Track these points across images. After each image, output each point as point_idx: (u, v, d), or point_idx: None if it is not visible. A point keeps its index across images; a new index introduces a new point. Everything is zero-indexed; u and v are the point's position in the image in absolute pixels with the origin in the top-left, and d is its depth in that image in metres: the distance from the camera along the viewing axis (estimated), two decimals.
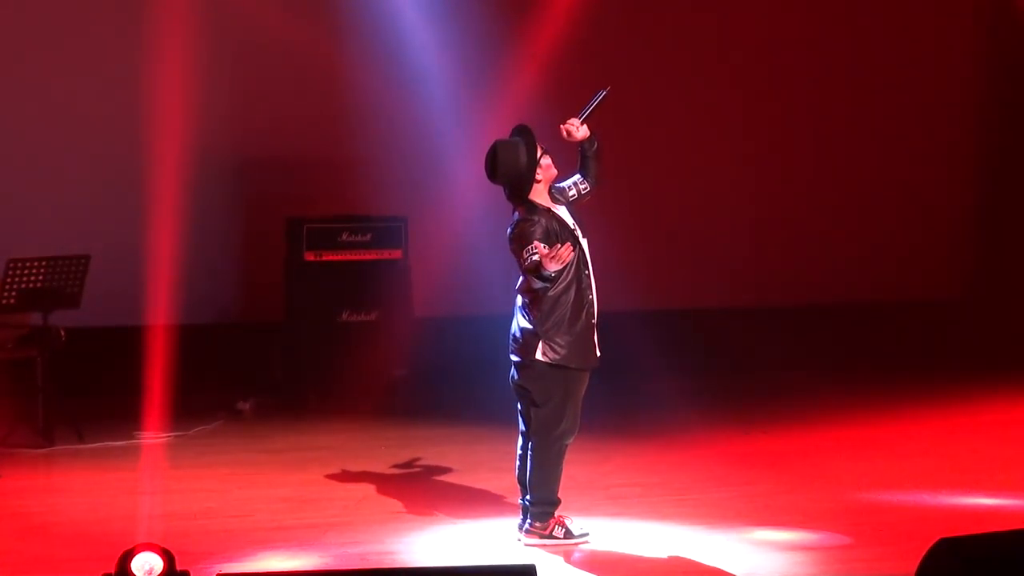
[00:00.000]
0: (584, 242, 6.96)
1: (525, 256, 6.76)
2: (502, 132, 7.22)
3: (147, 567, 4.88)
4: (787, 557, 6.78)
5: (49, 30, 11.05)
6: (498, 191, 7.12)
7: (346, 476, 8.49)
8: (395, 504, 7.82)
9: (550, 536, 6.98)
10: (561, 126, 7.04)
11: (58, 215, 10.93)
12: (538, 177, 6.96)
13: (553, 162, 7.04)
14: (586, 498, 7.67)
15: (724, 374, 11.59)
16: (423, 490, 8.16)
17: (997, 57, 13.21)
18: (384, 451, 9.14)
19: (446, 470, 8.62)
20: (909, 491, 8.00)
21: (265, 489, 8.20)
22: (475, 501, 7.88)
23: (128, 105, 10.81)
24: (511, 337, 7.04)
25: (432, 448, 9.20)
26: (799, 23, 12.68)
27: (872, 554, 6.80)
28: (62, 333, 9.36)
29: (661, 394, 10.56)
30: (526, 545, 7.00)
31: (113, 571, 4.92)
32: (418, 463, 8.84)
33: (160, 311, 10.16)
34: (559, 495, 7.04)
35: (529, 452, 7.02)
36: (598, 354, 7.03)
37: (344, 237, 10.89)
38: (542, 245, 6.74)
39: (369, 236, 10.94)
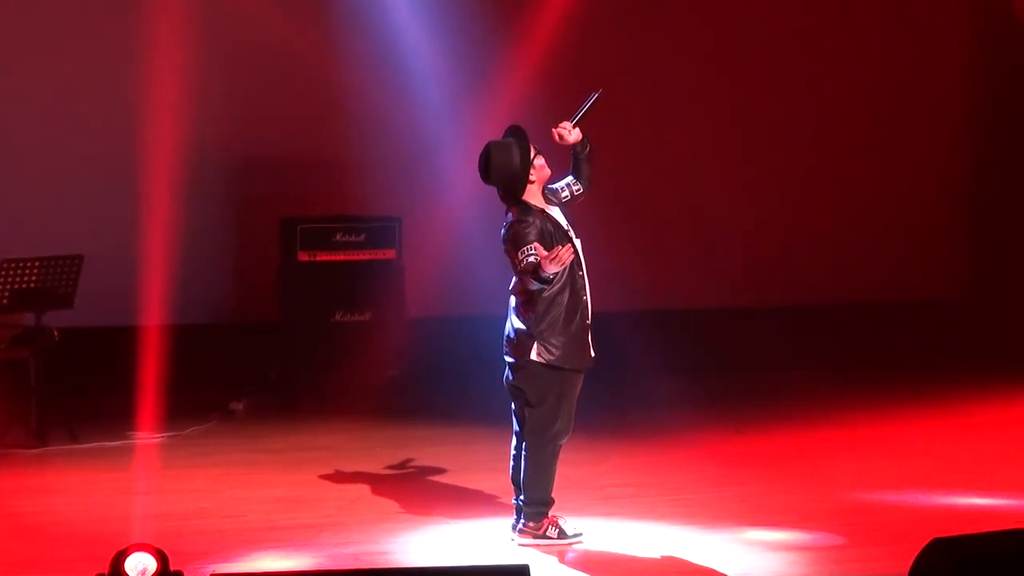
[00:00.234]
0: (578, 243, 6.97)
1: (521, 257, 6.76)
2: (496, 133, 7.22)
3: (140, 567, 4.87)
4: (781, 557, 6.78)
5: (43, 31, 11.05)
6: (492, 192, 7.12)
7: (340, 476, 8.48)
8: (389, 504, 7.82)
9: (544, 536, 6.98)
10: (553, 129, 7.05)
11: (51, 215, 10.93)
12: (532, 178, 6.97)
13: (547, 162, 7.04)
14: (580, 498, 7.67)
15: (719, 374, 11.59)
16: (417, 490, 8.15)
17: (994, 56, 13.23)
18: (378, 452, 9.13)
19: (440, 470, 8.61)
20: (903, 491, 8.01)
21: (259, 489, 8.19)
22: (469, 501, 7.88)
23: (122, 105, 10.81)
24: (505, 338, 7.04)
25: (426, 448, 9.20)
26: (795, 23, 12.69)
27: (866, 554, 6.80)
28: (55, 333, 9.35)
29: (655, 394, 10.55)
30: (520, 545, 7.00)
31: (107, 571, 4.91)
32: (412, 463, 8.84)
33: (154, 311, 10.15)
34: (553, 495, 7.04)
35: (523, 452, 7.02)
36: (592, 355, 7.04)
37: (338, 237, 10.88)
38: (541, 247, 6.73)
39: (363, 236, 10.93)
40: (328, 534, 7.20)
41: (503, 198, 7.04)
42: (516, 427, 7.11)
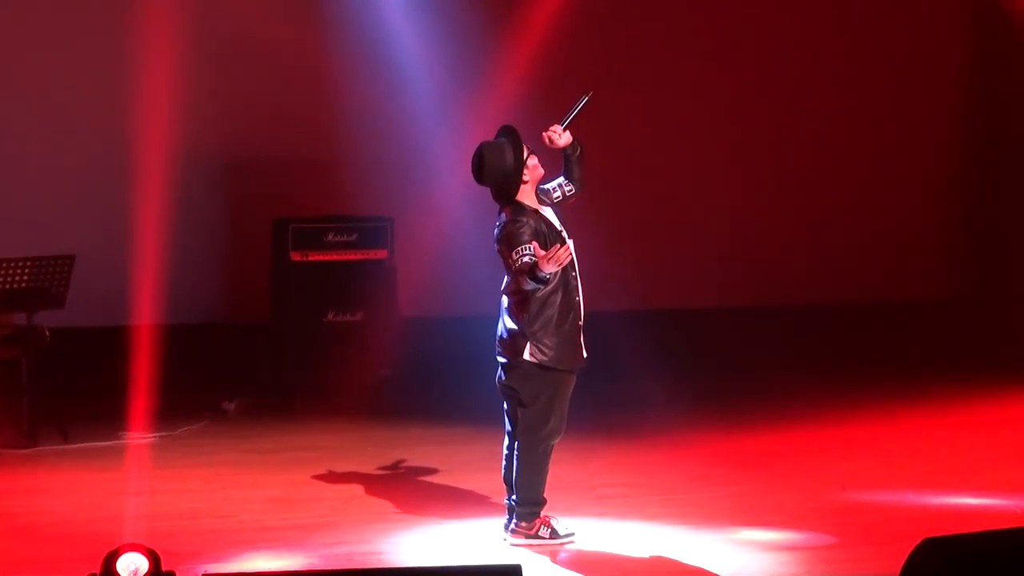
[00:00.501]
0: (570, 243, 6.96)
1: (515, 257, 6.76)
2: (488, 132, 7.22)
3: (132, 567, 4.87)
4: (773, 557, 6.79)
5: (34, 31, 11.03)
6: (484, 192, 7.12)
7: (332, 476, 8.48)
8: (381, 504, 7.82)
9: (536, 536, 6.98)
10: (543, 133, 7.05)
11: (43, 215, 10.91)
12: (525, 178, 6.97)
13: (539, 162, 7.05)
14: (572, 498, 7.67)
15: (711, 374, 11.60)
16: (409, 490, 8.15)
17: (986, 55, 13.25)
18: (371, 451, 9.13)
19: (432, 470, 8.61)
20: (894, 491, 8.02)
21: (251, 489, 8.19)
22: (461, 501, 7.88)
23: (114, 105, 10.80)
24: (497, 338, 7.04)
25: (418, 448, 9.20)
26: (788, 22, 12.70)
27: (857, 554, 6.81)
28: (47, 333, 9.34)
29: (648, 394, 10.55)
30: (512, 545, 7.01)
31: (98, 571, 4.91)
32: (404, 463, 8.84)
33: (145, 311, 10.14)
34: (545, 495, 7.05)
35: (515, 452, 7.02)
36: (585, 355, 7.04)
37: (330, 237, 10.88)
38: (539, 246, 6.73)
39: (355, 236, 10.93)
40: (320, 534, 7.20)
41: (496, 198, 7.04)
42: (508, 427, 7.11)
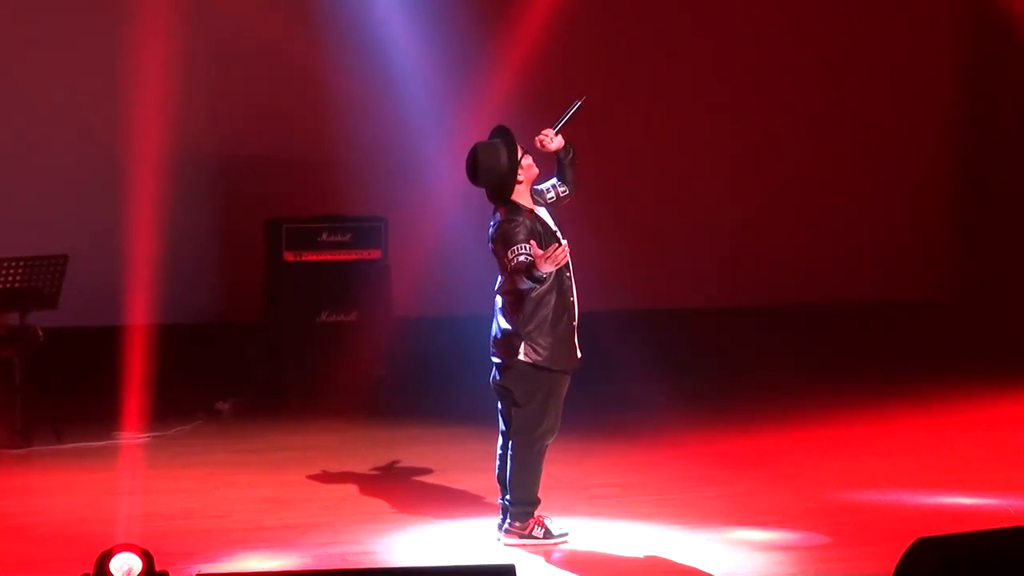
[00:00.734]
0: (565, 243, 6.96)
1: (511, 256, 6.76)
2: (482, 132, 7.22)
3: (126, 567, 4.87)
4: (766, 557, 6.79)
5: (26, 30, 11.01)
6: (477, 191, 7.12)
7: (326, 476, 8.47)
8: (375, 504, 7.81)
9: (530, 536, 6.98)
10: (536, 138, 7.04)
11: (35, 215, 10.90)
12: (520, 178, 6.97)
13: (534, 162, 7.05)
14: (566, 498, 7.68)
15: (704, 374, 11.60)
16: (403, 490, 8.15)
17: (976, 56, 13.25)
18: (364, 452, 9.13)
19: (426, 470, 8.61)
20: (888, 491, 8.02)
21: (244, 489, 8.18)
22: (455, 501, 7.88)
23: (107, 105, 10.79)
24: (491, 339, 7.04)
25: (412, 448, 9.20)
26: (778, 22, 12.70)
27: (851, 553, 6.82)
28: (40, 333, 9.33)
29: (641, 394, 10.56)
30: (506, 545, 7.01)
31: (92, 572, 4.90)
32: (398, 463, 8.83)
33: (139, 311, 10.13)
34: (539, 495, 7.05)
35: (509, 452, 7.02)
36: (579, 355, 7.04)
37: (324, 237, 10.87)
38: (536, 246, 6.73)
39: (349, 236, 10.92)
40: (314, 534, 7.20)
41: (491, 199, 7.04)
42: (502, 427, 7.11)
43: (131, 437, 9.38)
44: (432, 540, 7.12)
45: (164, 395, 9.73)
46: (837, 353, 12.16)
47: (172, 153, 10.61)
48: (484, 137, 7.09)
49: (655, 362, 10.90)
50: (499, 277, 7.00)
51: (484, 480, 7.77)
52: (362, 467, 8.70)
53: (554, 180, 7.18)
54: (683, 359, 11.54)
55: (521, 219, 6.87)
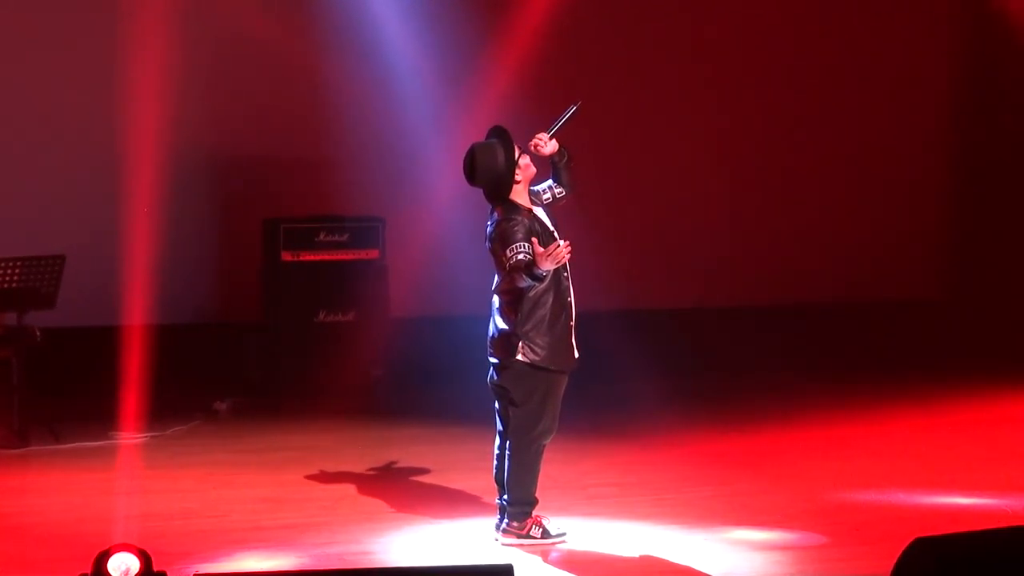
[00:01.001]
0: (566, 242, 6.95)
1: (510, 255, 6.76)
2: (479, 132, 7.22)
3: (123, 568, 4.86)
4: (764, 557, 6.79)
5: (24, 29, 11.01)
6: (475, 191, 7.12)
7: (323, 476, 8.47)
8: (372, 504, 7.81)
9: (527, 536, 6.98)
10: (530, 142, 7.04)
11: (33, 215, 10.89)
12: (517, 177, 6.97)
13: (532, 161, 7.05)
14: (564, 498, 7.68)
15: (701, 374, 11.61)
16: (400, 490, 8.15)
17: (973, 55, 13.26)
18: (361, 452, 9.13)
19: (423, 470, 8.61)
20: (885, 491, 8.03)
21: (242, 489, 8.18)
22: (452, 501, 7.88)
23: (104, 105, 10.78)
24: (489, 339, 7.04)
25: (409, 448, 9.20)
26: (775, 23, 12.70)
27: (849, 553, 6.82)
28: (37, 333, 9.32)
29: (639, 394, 10.56)
30: (503, 545, 7.01)
31: (89, 572, 4.90)
32: (395, 463, 8.83)
33: (136, 311, 10.13)
34: (537, 495, 7.05)
35: (507, 452, 7.02)
36: (576, 355, 7.05)
37: (321, 237, 10.87)
38: (537, 243, 6.73)
39: (346, 236, 10.93)
40: (312, 534, 7.20)
41: (489, 199, 7.04)
42: (500, 427, 7.12)
43: (129, 437, 9.38)
44: (430, 540, 7.12)
45: (162, 395, 9.73)
46: (834, 353, 12.17)
47: (170, 153, 10.61)
48: (481, 137, 7.09)
49: (653, 362, 10.90)
50: (496, 277, 7.00)
51: (482, 480, 7.77)
52: (360, 467, 8.70)
53: (550, 181, 7.19)
54: (681, 359, 11.54)
55: (519, 218, 6.87)
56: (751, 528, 7.28)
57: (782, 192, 12.77)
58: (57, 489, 8.24)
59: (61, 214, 10.93)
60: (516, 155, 6.96)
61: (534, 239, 6.75)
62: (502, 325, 6.96)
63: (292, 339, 10.73)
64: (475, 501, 7.82)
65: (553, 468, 7.46)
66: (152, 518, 7.39)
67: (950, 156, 13.37)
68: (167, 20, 10.61)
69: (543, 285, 6.84)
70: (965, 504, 7.74)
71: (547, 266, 6.64)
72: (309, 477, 8.45)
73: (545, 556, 6.87)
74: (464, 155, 7.01)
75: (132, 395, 9.37)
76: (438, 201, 10.98)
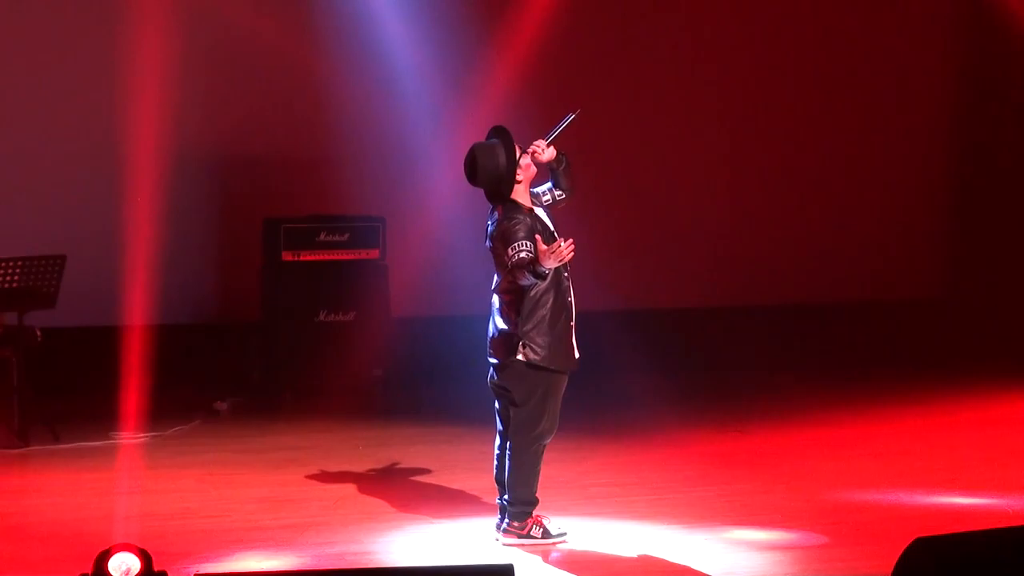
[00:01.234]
0: (570, 240, 6.95)
1: (512, 253, 6.76)
2: (479, 132, 7.22)
3: (124, 567, 4.87)
4: (764, 556, 6.79)
5: (23, 30, 11.01)
6: (475, 191, 7.12)
7: (324, 476, 8.47)
8: (373, 504, 7.81)
9: (528, 536, 6.99)
10: (527, 149, 7.03)
11: (34, 215, 10.90)
12: (519, 177, 6.98)
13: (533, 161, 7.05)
14: (564, 498, 7.68)
15: (702, 374, 11.61)
16: (401, 490, 8.15)
17: (975, 56, 13.26)
18: (362, 451, 9.13)
19: (424, 470, 8.61)
20: (886, 490, 8.03)
21: (242, 489, 8.18)
22: (453, 501, 7.88)
23: (105, 105, 10.79)
24: (489, 339, 7.04)
25: (410, 448, 9.20)
26: (774, 22, 12.70)
27: (849, 553, 6.82)
28: (38, 333, 9.33)
29: (639, 394, 10.57)
30: (504, 545, 7.01)
31: (90, 572, 4.90)
32: (396, 463, 8.83)
33: (137, 311, 10.13)
34: (537, 495, 7.05)
35: (507, 452, 7.03)
36: (576, 356, 7.05)
37: (322, 237, 10.88)
38: (541, 241, 6.73)
39: (347, 236, 10.93)
40: (312, 534, 7.20)
41: (491, 199, 7.04)
42: (500, 427, 7.12)
43: (129, 437, 9.38)
44: (430, 540, 7.13)
45: (162, 395, 9.74)
46: (834, 352, 12.18)
47: (170, 153, 10.62)
48: (482, 137, 7.09)
49: (653, 362, 10.91)
50: (495, 276, 7.00)
51: (482, 480, 7.77)
52: (360, 467, 8.70)
53: (549, 184, 7.20)
54: (681, 359, 11.55)
55: (521, 217, 6.88)
56: (751, 528, 7.29)
57: (782, 192, 12.77)
58: (57, 489, 8.24)
59: (61, 214, 10.93)
60: (517, 155, 6.97)
61: (538, 236, 6.76)
62: (502, 325, 6.96)
63: (292, 339, 10.74)
64: (475, 501, 7.82)
65: (553, 468, 7.46)
66: (152, 518, 7.40)
67: (951, 156, 13.36)
68: (167, 20, 10.62)
69: (543, 285, 6.85)
70: (965, 504, 7.75)
71: (550, 264, 6.64)
72: (309, 477, 8.46)
73: (545, 556, 6.87)
74: (465, 155, 7.01)
75: (132, 395, 9.38)
76: (438, 201, 10.99)
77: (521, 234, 6.78)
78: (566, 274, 6.98)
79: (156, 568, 4.91)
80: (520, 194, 6.99)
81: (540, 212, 7.04)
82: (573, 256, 6.64)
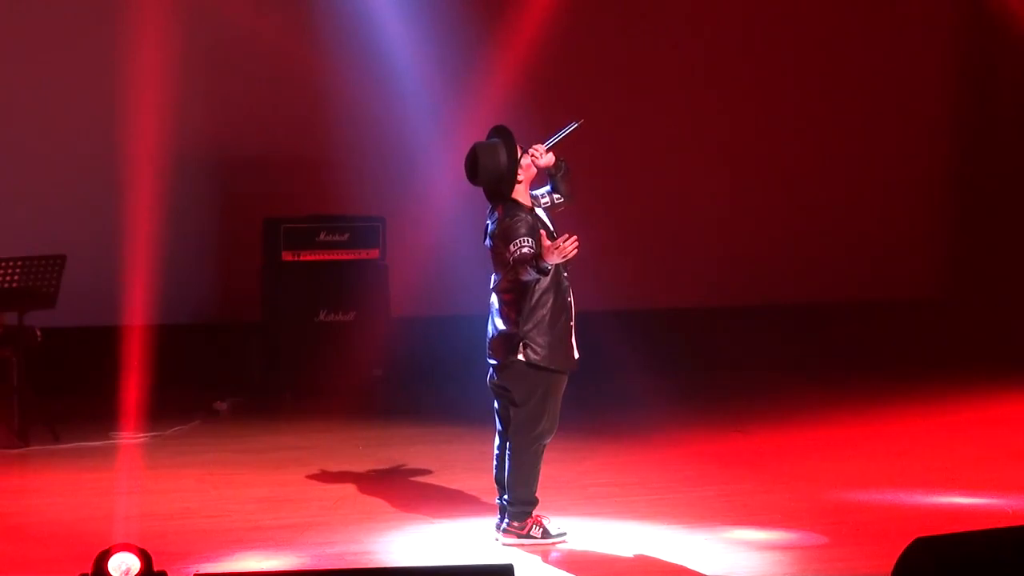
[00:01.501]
0: (575, 237, 6.94)
1: (513, 249, 6.75)
2: (479, 132, 7.22)
3: (124, 567, 4.87)
4: (764, 556, 6.79)
5: (23, 30, 11.01)
6: (475, 191, 7.12)
7: (323, 476, 8.47)
8: (372, 504, 7.82)
9: (527, 536, 6.99)
10: (526, 153, 7.03)
11: (34, 215, 10.90)
12: (520, 177, 6.98)
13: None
14: (564, 498, 7.68)
15: (702, 374, 11.61)
16: (400, 490, 8.15)
17: (975, 56, 13.26)
18: (362, 451, 9.14)
19: (424, 470, 8.61)
20: (886, 490, 8.03)
21: (242, 489, 8.18)
22: (452, 501, 7.88)
23: (105, 105, 10.79)
24: (488, 339, 7.03)
25: (409, 448, 9.20)
26: (774, 23, 12.71)
27: (849, 553, 6.82)
28: (38, 333, 9.33)
29: (639, 394, 10.57)
30: (504, 545, 7.01)
31: (90, 571, 4.90)
32: (396, 463, 8.83)
33: (137, 311, 10.14)
34: (537, 495, 7.05)
35: (507, 452, 7.03)
36: (576, 356, 7.05)
37: (322, 237, 10.88)
38: (546, 236, 6.73)
39: (347, 236, 10.94)
40: (312, 534, 7.20)
41: (491, 198, 7.04)
42: (499, 427, 7.12)
43: (129, 437, 9.38)
44: (430, 540, 7.13)
45: (162, 395, 9.74)
46: (833, 352, 12.18)
47: (170, 153, 10.62)
48: (482, 137, 7.09)
49: (653, 362, 10.91)
50: (494, 276, 7.00)
51: (482, 480, 7.77)
52: (360, 467, 8.70)
53: (548, 188, 7.21)
54: (681, 359, 11.55)
55: (522, 215, 6.88)
56: (751, 528, 7.29)
57: (782, 192, 12.77)
58: (57, 489, 8.24)
59: (61, 214, 10.93)
60: (518, 155, 6.97)
61: (542, 232, 6.76)
62: (502, 325, 6.96)
63: (292, 339, 10.74)
64: (475, 501, 7.82)
65: (553, 468, 7.46)
66: (152, 518, 7.40)
67: (951, 156, 13.37)
68: (167, 20, 10.62)
69: (543, 285, 6.84)
70: (966, 504, 7.75)
71: (554, 260, 6.64)
72: (309, 477, 8.46)
73: (545, 556, 6.87)
74: (466, 155, 7.01)
75: (132, 395, 9.38)
76: (438, 201, 10.99)
77: (523, 230, 6.78)
78: (566, 274, 6.98)
79: (156, 568, 4.91)
80: (520, 194, 6.99)
81: (540, 212, 7.05)
82: (576, 254, 6.64)
